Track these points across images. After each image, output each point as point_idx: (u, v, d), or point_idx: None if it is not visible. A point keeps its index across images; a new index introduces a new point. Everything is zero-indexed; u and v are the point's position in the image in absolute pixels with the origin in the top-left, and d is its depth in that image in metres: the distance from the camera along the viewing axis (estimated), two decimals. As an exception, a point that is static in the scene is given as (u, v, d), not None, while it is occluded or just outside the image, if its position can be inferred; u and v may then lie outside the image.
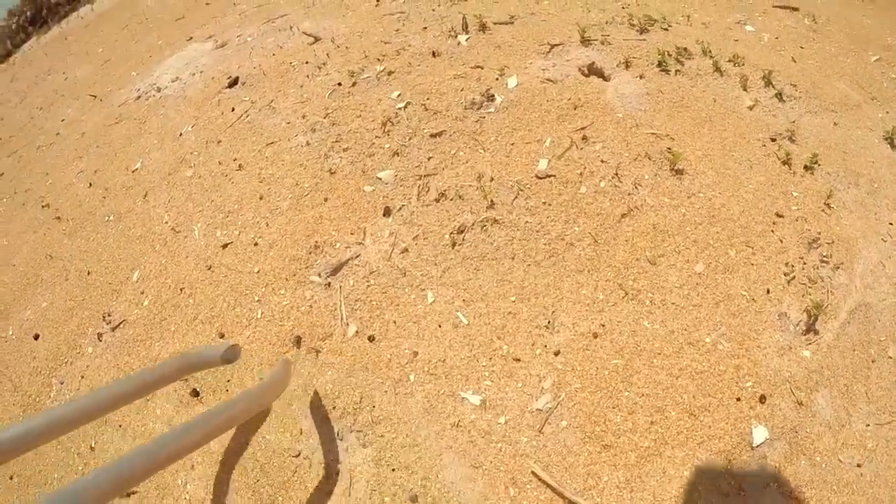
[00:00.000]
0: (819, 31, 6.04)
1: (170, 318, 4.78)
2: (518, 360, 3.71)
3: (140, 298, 5.12)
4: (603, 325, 3.63)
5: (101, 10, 12.64)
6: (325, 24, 7.18)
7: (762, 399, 3.08)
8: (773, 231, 3.77)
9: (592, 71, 5.37)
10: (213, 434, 2.54)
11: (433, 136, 5.00)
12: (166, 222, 5.68)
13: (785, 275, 3.56)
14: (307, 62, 6.64)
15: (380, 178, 4.84)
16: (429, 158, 4.86)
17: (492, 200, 4.41)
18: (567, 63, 5.50)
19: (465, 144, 4.87)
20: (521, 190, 4.44)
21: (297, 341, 4.12)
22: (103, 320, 5.16)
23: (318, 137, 5.46)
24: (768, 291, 3.49)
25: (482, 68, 5.55)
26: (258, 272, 4.63)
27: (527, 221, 4.29)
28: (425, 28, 6.40)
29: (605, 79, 5.04)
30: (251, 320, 4.39)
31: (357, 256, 4.40)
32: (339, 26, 7.04)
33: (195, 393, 4.22)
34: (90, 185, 6.97)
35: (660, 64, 4.98)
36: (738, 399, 3.09)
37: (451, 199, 4.51)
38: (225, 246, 5.02)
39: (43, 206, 7.16)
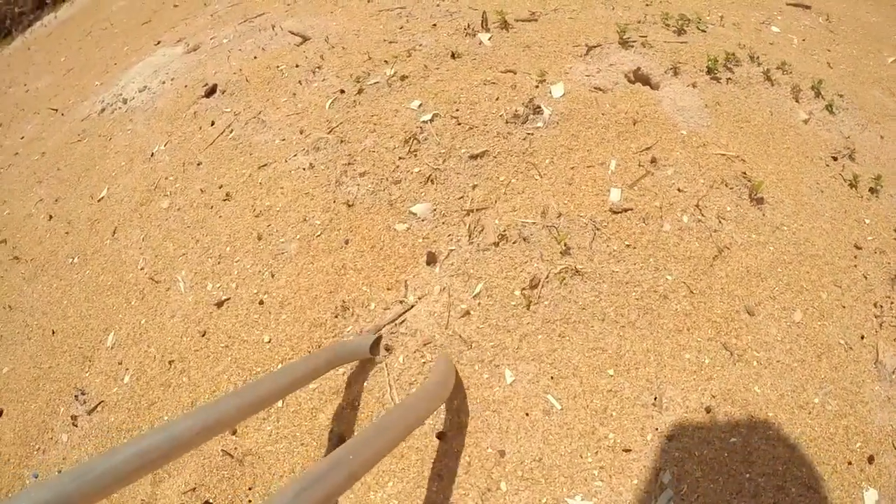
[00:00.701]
0: (836, 32, 5.42)
1: (160, 402, 3.43)
2: (628, 450, 2.67)
3: (118, 371, 3.75)
4: (714, 397, 2.80)
5: (64, 17, 11.02)
6: (312, 23, 5.78)
7: (870, 459, 2.66)
8: (856, 266, 3.22)
9: (639, 77, 4.24)
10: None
11: (473, 157, 3.69)
12: (142, 268, 4.28)
13: (875, 317, 3.05)
14: (297, 65, 5.23)
15: (414, 214, 3.52)
16: (473, 187, 3.56)
17: (566, 244, 3.15)
18: (611, 68, 4.25)
19: (517, 169, 3.59)
20: (598, 229, 3.20)
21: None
22: (76, 399, 3.79)
23: (323, 158, 4.12)
24: (862, 337, 2.96)
25: (514, 73, 4.25)
26: (269, 342, 3.30)
27: (613, 271, 3.07)
28: (434, 25, 5.04)
29: (654, 87, 4.18)
30: (269, 411, 3.08)
31: (401, 321, 3.10)
32: (328, 24, 5.65)
33: (205, 509, 2.97)
34: (50, 217, 5.51)
35: (709, 71, 4.18)
36: (850, 463, 2.64)
37: (514, 243, 3.23)
38: (220, 304, 3.66)
39: (2, 241, 5.72)
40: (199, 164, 4.76)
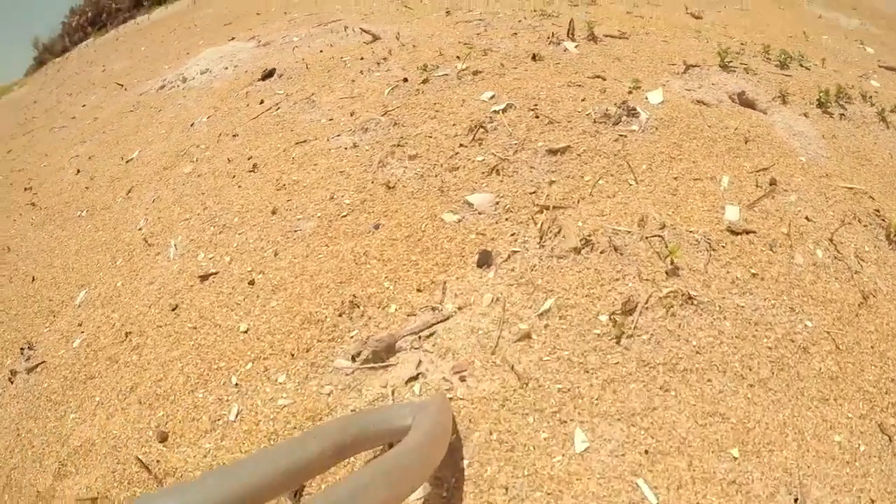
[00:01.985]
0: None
1: (97, 380, 2.31)
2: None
3: (73, 333, 2.71)
4: (873, 502, 1.62)
5: (156, 18, 10.39)
6: (386, 28, 4.84)
7: None
8: None
9: (743, 101, 3.32)
10: None
11: (552, 152, 2.62)
12: (140, 229, 3.24)
13: None
14: (362, 58, 4.27)
15: (470, 204, 2.43)
16: (550, 183, 2.47)
17: (673, 262, 2.00)
18: (713, 87, 3.24)
19: (606, 170, 2.50)
20: (714, 249, 2.07)
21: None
22: (22, 353, 2.78)
23: (370, 139, 3.06)
24: None
25: (604, 79, 3.25)
26: (245, 332, 2.16)
27: (738, 305, 1.92)
28: (515, 34, 4.12)
29: (762, 111, 3.28)
30: (216, 424, 1.92)
31: (429, 333, 1.95)
32: (402, 29, 4.71)
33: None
34: (77, 171, 4.62)
35: (820, 104, 3.38)
36: None
37: (603, 252, 2.09)
38: (205, 277, 2.56)
39: (25, 189, 4.90)
40: (234, 136, 3.76)
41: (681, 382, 1.70)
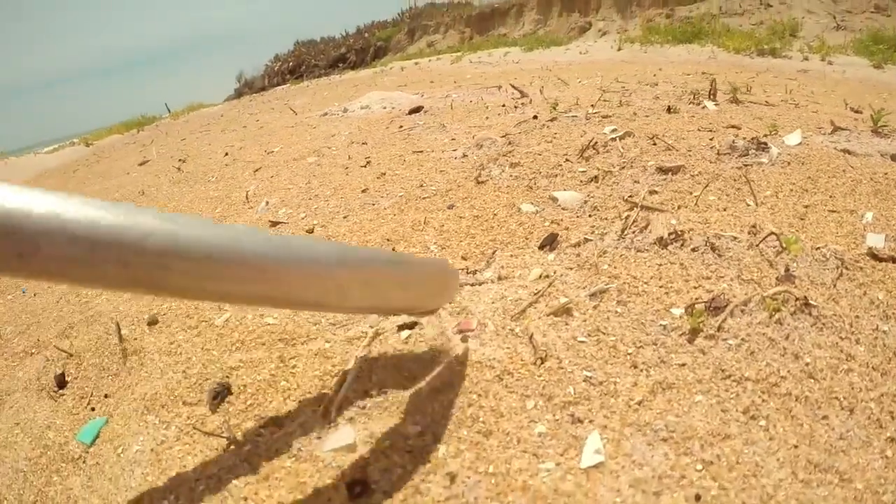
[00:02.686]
0: None
1: None
2: None
3: None
4: None
5: (346, 77, 11.45)
6: (542, 92, 4.87)
7: None
8: None
9: None
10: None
11: (663, 170, 2.33)
12: (247, 191, 3.35)
13: None
14: (503, 105, 4.33)
15: (554, 199, 2.20)
16: (651, 192, 2.18)
17: (787, 269, 1.58)
18: (862, 143, 2.73)
19: (722, 190, 2.13)
20: (847, 268, 1.58)
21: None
22: None
23: (481, 153, 2.96)
24: None
25: (739, 128, 2.93)
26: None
27: (879, 329, 1.38)
28: (657, 97, 3.96)
29: None
30: (201, 323, 1.80)
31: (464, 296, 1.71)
32: (552, 92, 4.71)
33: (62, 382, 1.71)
34: (226, 154, 5.06)
35: None
36: None
37: (695, 250, 1.71)
38: (275, 224, 2.58)
39: (180, 160, 5.44)
40: (363, 144, 3.89)
41: (779, 411, 1.22)
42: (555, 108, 3.58)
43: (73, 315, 2.22)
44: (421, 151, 3.30)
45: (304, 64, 12.73)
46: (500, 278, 1.73)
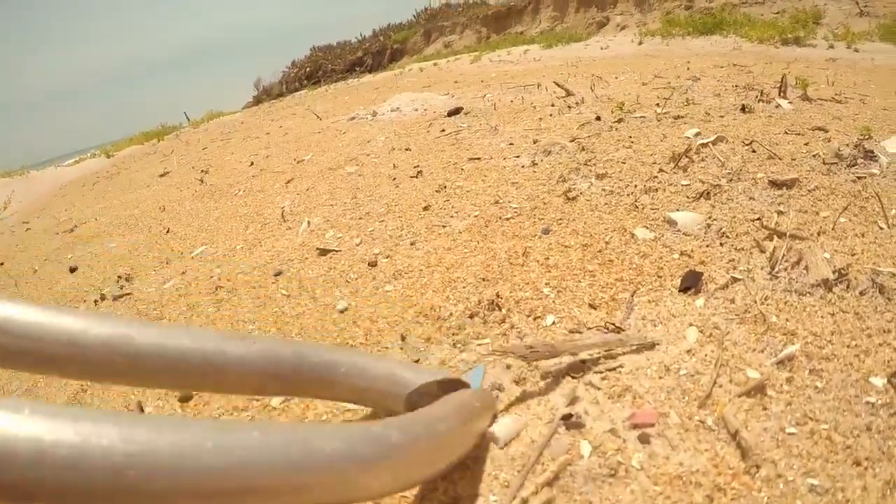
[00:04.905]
0: None
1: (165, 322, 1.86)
2: None
3: (172, 277, 2.34)
4: None
5: (365, 80, 10.96)
6: (580, 89, 4.37)
7: None
8: None
9: None
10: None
11: (776, 184, 1.90)
12: (283, 207, 2.88)
13: None
14: (553, 104, 3.84)
15: (672, 222, 1.73)
16: (778, 213, 1.73)
17: None
18: None
19: (847, 210, 1.69)
20: None
21: None
22: (118, 281, 2.53)
23: (552, 160, 2.49)
24: None
25: (826, 130, 2.49)
26: (342, 312, 1.58)
27: None
28: (718, 95, 3.49)
29: None
30: (252, 401, 1.32)
31: (605, 360, 1.24)
32: (597, 91, 4.19)
33: None
34: (252, 164, 4.58)
35: None
36: None
37: (863, 294, 1.28)
38: (324, 252, 2.07)
39: (201, 171, 4.95)
40: (406, 150, 3.42)
41: None
42: (621, 109, 3.09)
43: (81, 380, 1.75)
44: (478, 159, 2.81)
45: (321, 69, 12.27)
46: (654, 343, 1.24)
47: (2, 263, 3.75)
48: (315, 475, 0.66)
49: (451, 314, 1.46)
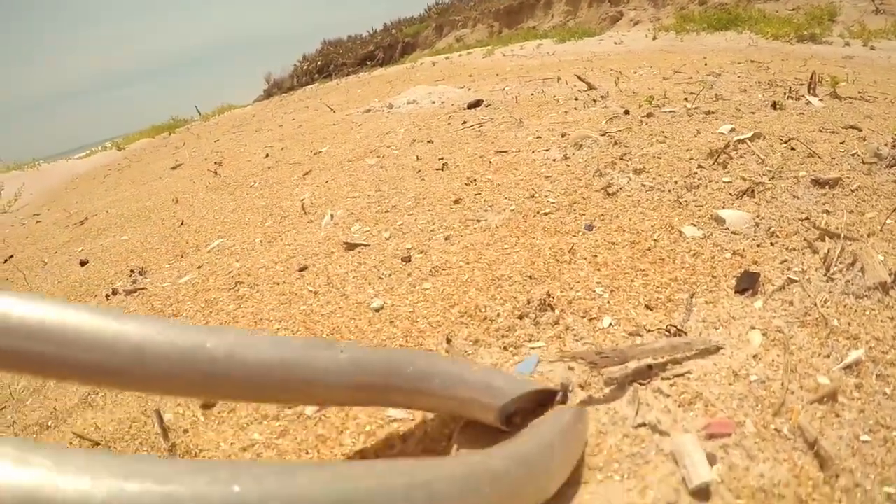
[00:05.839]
0: None
1: (180, 319, 1.75)
2: None
3: (188, 272, 2.23)
4: None
5: (377, 74, 10.82)
6: (602, 83, 4.24)
7: None
8: None
9: None
10: None
11: (819, 183, 1.82)
12: (302, 199, 2.77)
13: None
14: (576, 98, 3.72)
15: (720, 220, 1.63)
16: (825, 213, 1.64)
17: None
18: None
19: (889, 209, 1.60)
20: None
21: None
22: (131, 275, 2.40)
23: (585, 154, 2.37)
24: None
25: (859, 129, 2.40)
26: (378, 311, 1.47)
27: None
28: (744, 90, 3.41)
29: None
30: (282, 411, 1.21)
31: (673, 366, 1.13)
32: (620, 85, 4.07)
33: None
34: (266, 156, 4.47)
35: None
36: None
37: None
38: (352, 247, 1.96)
39: (215, 163, 4.86)
40: (429, 142, 3.32)
41: None
42: (650, 103, 2.98)
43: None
44: (505, 151, 2.70)
45: (332, 63, 12.12)
46: (712, 348, 1.13)
47: (11, 256, 3.67)
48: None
49: (498, 314, 1.35)
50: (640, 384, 1.10)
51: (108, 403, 1.47)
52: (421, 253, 1.75)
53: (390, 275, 1.66)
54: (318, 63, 12.28)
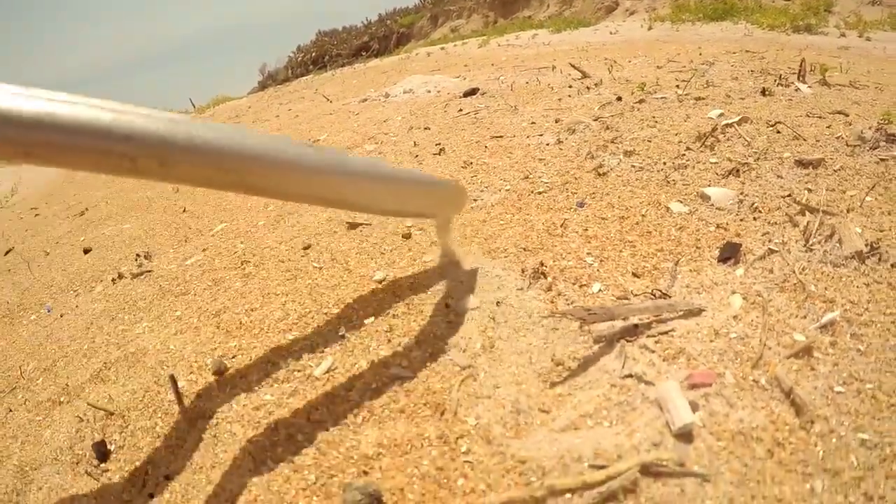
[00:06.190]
0: None
1: (189, 297, 1.82)
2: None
3: (193, 254, 2.31)
4: None
5: (371, 65, 10.82)
6: (595, 71, 4.30)
7: None
8: None
9: None
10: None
11: (802, 164, 1.89)
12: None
13: None
14: (570, 86, 3.79)
15: (705, 197, 1.72)
16: (808, 191, 1.72)
17: None
18: None
19: (875, 192, 1.66)
20: None
21: None
22: (136, 259, 2.47)
23: (577, 139, 2.45)
24: None
25: (846, 115, 2.47)
26: (380, 282, 1.55)
27: None
28: (735, 78, 3.45)
29: None
30: (293, 374, 1.28)
31: (657, 325, 1.21)
32: (614, 73, 4.13)
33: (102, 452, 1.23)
34: None
35: None
36: None
37: (894, 266, 1.29)
38: (354, 226, 2.01)
39: None
40: (426, 129, 3.38)
41: None
42: (642, 90, 3.05)
43: (108, 348, 1.72)
44: (501, 137, 2.77)
45: (326, 54, 12.11)
46: (702, 309, 1.21)
47: (11, 249, 3.70)
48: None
49: (500, 283, 1.42)
50: (627, 341, 1.18)
51: (119, 377, 1.54)
52: (420, 230, 1.83)
53: (392, 250, 1.74)
54: (313, 54, 12.27)
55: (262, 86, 12.78)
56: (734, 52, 5.52)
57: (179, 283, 1.99)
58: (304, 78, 11.56)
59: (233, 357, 1.39)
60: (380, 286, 1.53)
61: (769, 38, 7.54)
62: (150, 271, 2.21)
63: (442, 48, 10.91)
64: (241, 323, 1.52)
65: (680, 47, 6.59)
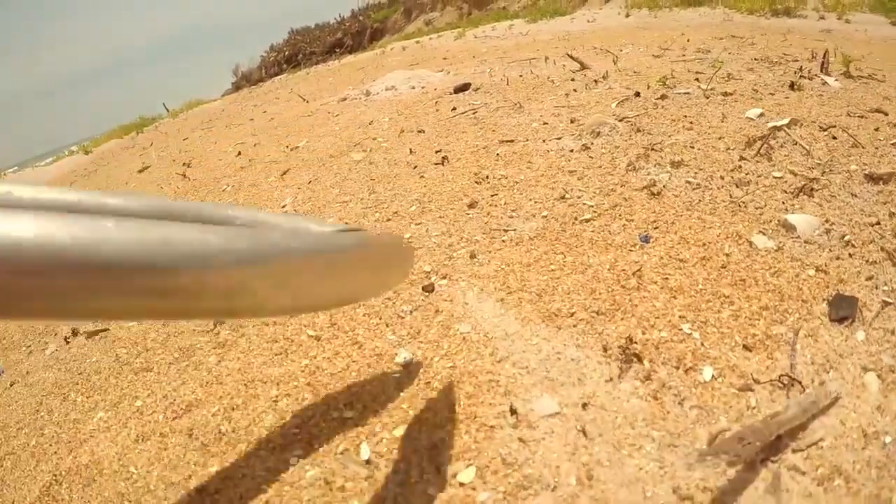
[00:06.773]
0: None
1: (151, 374, 1.38)
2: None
3: None
4: None
5: (346, 61, 10.30)
6: (596, 63, 3.89)
7: None
8: None
9: None
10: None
11: (872, 179, 1.54)
12: (283, 206, 2.40)
13: None
14: (573, 79, 3.37)
15: (790, 226, 1.33)
16: (890, 215, 1.34)
17: None
18: None
19: None
20: None
21: None
22: None
23: (606, 144, 2.04)
24: None
25: (885, 113, 2.14)
26: (404, 365, 1.14)
27: None
28: (751, 69, 3.10)
29: None
30: None
31: (815, 442, 0.81)
32: (618, 64, 3.73)
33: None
34: (239, 154, 3.99)
35: None
36: None
37: None
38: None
39: (183, 164, 4.34)
40: (420, 132, 2.94)
41: None
42: (663, 84, 2.65)
43: (58, 448, 1.27)
44: (511, 141, 2.35)
45: (300, 52, 11.50)
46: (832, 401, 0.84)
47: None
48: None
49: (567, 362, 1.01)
50: (772, 461, 0.79)
51: (73, 499, 1.11)
52: (444, 278, 1.40)
53: (412, 311, 1.31)
54: (286, 53, 11.65)
55: (236, 87, 12.13)
56: (721, 38, 5.17)
57: (140, 350, 1.54)
58: (279, 77, 10.97)
59: (215, 492, 0.96)
60: (405, 372, 1.11)
61: (749, 22, 7.23)
62: (106, 329, 1.76)
63: (417, 42, 10.41)
64: (220, 432, 1.08)
65: (662, 34, 6.22)
